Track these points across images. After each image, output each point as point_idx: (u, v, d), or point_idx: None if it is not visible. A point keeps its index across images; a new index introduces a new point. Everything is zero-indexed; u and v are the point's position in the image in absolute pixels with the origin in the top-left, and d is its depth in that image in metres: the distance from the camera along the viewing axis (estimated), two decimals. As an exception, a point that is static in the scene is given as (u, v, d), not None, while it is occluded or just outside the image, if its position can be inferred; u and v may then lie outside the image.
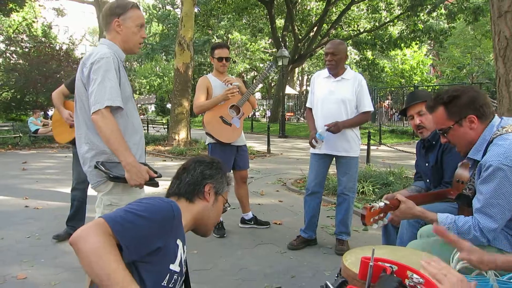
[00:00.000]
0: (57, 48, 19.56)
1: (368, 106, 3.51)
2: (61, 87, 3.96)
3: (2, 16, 18.29)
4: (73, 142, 3.97)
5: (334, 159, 3.65)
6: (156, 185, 2.11)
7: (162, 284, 1.32)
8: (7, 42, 18.96)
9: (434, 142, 2.62)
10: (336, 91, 3.51)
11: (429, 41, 26.06)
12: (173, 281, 1.37)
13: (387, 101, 23.27)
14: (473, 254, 1.45)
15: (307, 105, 3.82)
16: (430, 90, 22.41)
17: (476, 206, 1.74)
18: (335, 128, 3.39)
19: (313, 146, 3.54)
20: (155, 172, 2.11)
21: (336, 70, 3.54)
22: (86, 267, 1.13)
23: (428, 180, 2.70)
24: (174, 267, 1.36)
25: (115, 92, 1.97)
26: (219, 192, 1.62)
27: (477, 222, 1.70)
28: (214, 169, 1.62)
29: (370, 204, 1.77)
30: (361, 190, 5.68)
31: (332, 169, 3.80)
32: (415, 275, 1.12)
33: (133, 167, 1.97)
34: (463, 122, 1.80)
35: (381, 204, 1.80)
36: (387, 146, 11.45)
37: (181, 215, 1.38)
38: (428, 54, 33.98)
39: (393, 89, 26.58)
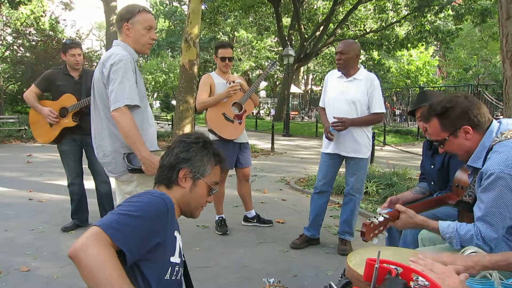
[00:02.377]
0: (63, 40, 19.56)
1: (379, 108, 3.46)
2: (32, 87, 3.93)
3: (10, 9, 18.31)
4: (57, 141, 3.95)
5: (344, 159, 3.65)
6: None
7: (165, 278, 1.32)
8: (14, 35, 19.01)
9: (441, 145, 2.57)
10: (347, 91, 3.48)
11: (435, 42, 25.90)
12: (174, 273, 1.37)
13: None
14: (456, 262, 1.46)
15: (320, 104, 3.80)
16: (436, 91, 22.31)
17: (477, 214, 1.72)
18: (342, 125, 3.36)
19: (330, 139, 3.50)
20: None
21: (345, 69, 3.50)
22: (87, 281, 1.11)
23: (432, 183, 2.67)
24: (175, 259, 1.36)
25: (133, 92, 2.20)
26: (196, 176, 1.48)
27: (479, 231, 1.69)
28: (191, 151, 1.49)
29: (369, 220, 1.77)
30: (364, 191, 5.66)
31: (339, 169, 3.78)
32: (420, 278, 1.11)
33: (147, 159, 2.21)
34: (458, 133, 1.80)
35: (381, 218, 1.79)
36: (392, 146, 11.43)
37: (174, 207, 1.36)
38: (434, 55, 33.82)
39: (398, 89, 26.50)
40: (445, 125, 1.81)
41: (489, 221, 1.67)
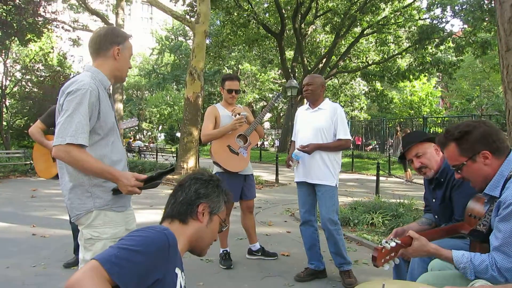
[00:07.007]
0: (71, 77, 20.00)
1: (343, 134, 3.54)
2: (37, 123, 3.86)
3: (20, 46, 18.83)
4: (58, 177, 3.92)
5: None
6: (155, 185, 2.02)
7: None
8: (23, 71, 19.46)
9: (442, 180, 2.52)
10: (313, 121, 3.63)
11: (437, 73, 26.22)
12: None
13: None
14: None
15: (292, 138, 3.94)
16: (439, 121, 22.39)
17: (494, 244, 1.68)
18: (308, 148, 3.50)
19: (288, 165, 3.70)
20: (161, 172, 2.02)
21: (312, 99, 3.68)
22: None
23: (436, 216, 2.63)
24: None
25: (80, 128, 1.89)
26: (214, 212, 1.54)
27: (494, 261, 1.64)
28: (210, 188, 1.54)
29: (381, 245, 1.73)
30: (370, 222, 5.59)
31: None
32: (426, 313, 1.08)
33: (118, 180, 1.95)
34: (476, 158, 1.77)
35: (393, 244, 1.75)
36: (397, 177, 11.35)
37: (176, 243, 1.35)
38: (437, 86, 34.13)
39: (401, 120, 26.59)
40: (464, 149, 1.78)
41: (506, 251, 1.63)
